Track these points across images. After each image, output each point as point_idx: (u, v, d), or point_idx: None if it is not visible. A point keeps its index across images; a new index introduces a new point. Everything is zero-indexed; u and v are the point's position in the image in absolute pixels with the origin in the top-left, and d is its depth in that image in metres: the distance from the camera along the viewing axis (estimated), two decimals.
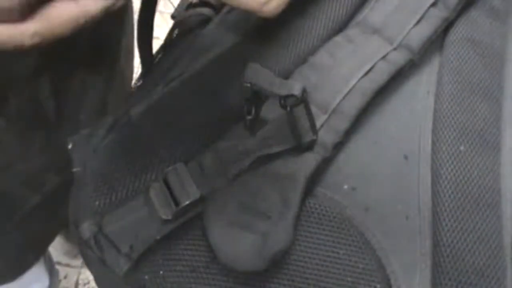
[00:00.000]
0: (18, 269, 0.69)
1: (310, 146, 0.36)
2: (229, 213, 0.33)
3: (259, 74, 0.35)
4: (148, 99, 0.39)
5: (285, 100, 0.34)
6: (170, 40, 0.48)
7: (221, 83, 0.39)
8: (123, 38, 0.62)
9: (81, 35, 0.43)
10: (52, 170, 0.56)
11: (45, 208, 0.58)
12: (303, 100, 0.34)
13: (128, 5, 0.58)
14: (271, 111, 0.37)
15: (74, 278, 1.08)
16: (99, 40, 0.54)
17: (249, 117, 0.36)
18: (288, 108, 0.34)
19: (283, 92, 0.34)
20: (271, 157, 0.35)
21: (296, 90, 0.33)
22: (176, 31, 0.47)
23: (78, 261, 1.09)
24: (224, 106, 0.38)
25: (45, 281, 0.86)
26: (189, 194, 0.34)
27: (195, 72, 0.40)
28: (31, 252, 0.70)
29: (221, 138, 0.37)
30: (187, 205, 0.33)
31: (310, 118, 0.35)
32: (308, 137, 0.35)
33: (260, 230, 0.33)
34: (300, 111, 0.35)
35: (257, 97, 0.35)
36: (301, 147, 0.36)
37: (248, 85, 0.34)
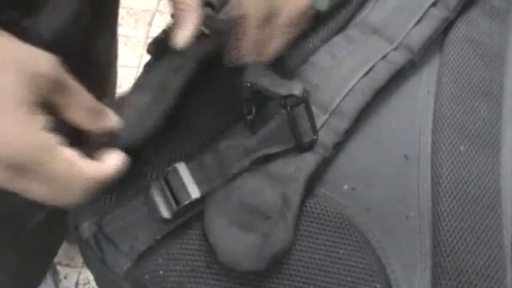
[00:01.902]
0: (28, 285, 0.69)
1: (310, 146, 0.36)
2: (229, 213, 0.33)
3: (259, 74, 0.35)
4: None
5: (285, 100, 0.34)
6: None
7: (222, 83, 0.39)
8: (113, 45, 0.63)
9: (74, 47, 0.43)
10: None
11: (49, 223, 0.58)
12: (303, 100, 0.34)
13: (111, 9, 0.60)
14: (271, 111, 0.37)
15: (74, 278, 1.07)
16: (92, 48, 0.55)
17: (249, 117, 0.36)
18: (289, 108, 0.34)
19: (284, 92, 0.34)
20: (271, 157, 0.35)
21: (297, 90, 0.33)
22: None
23: (78, 261, 1.08)
24: (225, 105, 0.38)
25: (50, 285, 0.86)
26: (189, 193, 0.34)
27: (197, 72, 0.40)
28: (39, 266, 0.70)
29: (222, 137, 0.37)
30: (188, 204, 0.33)
31: (310, 118, 0.35)
32: (308, 137, 0.35)
33: (260, 230, 0.33)
34: (300, 111, 0.35)
35: (258, 96, 0.35)
36: (302, 147, 0.36)
37: (249, 84, 0.34)
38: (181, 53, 0.35)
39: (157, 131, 0.37)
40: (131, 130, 0.33)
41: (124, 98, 0.36)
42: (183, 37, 0.34)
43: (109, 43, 0.61)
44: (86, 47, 0.52)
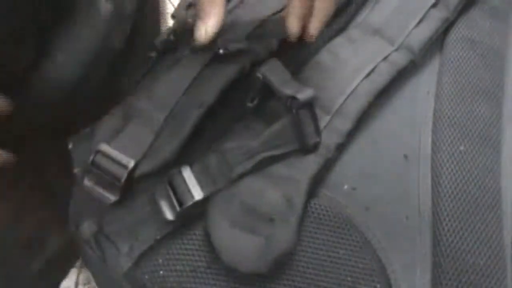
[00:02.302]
0: None
1: (314, 148, 0.36)
2: (232, 215, 0.33)
3: (274, 70, 0.35)
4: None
5: (291, 102, 0.34)
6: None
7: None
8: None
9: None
10: (51, 231, 0.51)
11: (50, 271, 0.54)
12: (308, 104, 0.34)
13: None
14: (275, 111, 0.37)
15: (74, 278, 1.07)
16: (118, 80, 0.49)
17: (249, 104, 0.36)
18: (294, 111, 0.34)
19: (288, 92, 0.34)
20: (274, 159, 0.35)
21: (301, 94, 0.33)
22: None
23: (78, 261, 1.08)
24: (225, 104, 0.38)
25: None
26: (193, 195, 0.34)
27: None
28: None
29: (225, 138, 0.37)
30: (190, 205, 0.33)
31: (314, 120, 0.35)
32: (312, 139, 0.35)
33: (263, 233, 0.33)
34: (304, 113, 0.35)
35: (265, 90, 0.35)
36: (305, 149, 0.36)
37: (260, 76, 0.34)
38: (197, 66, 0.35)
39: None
40: (144, 157, 0.34)
41: (132, 104, 0.35)
42: (206, 30, 0.33)
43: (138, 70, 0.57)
44: (112, 80, 0.47)
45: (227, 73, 0.36)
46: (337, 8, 0.42)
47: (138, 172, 0.33)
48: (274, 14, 0.41)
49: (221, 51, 0.36)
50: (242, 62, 0.37)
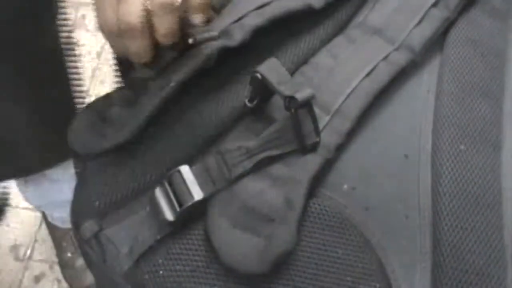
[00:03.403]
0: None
1: (313, 148, 0.36)
2: (232, 216, 0.33)
3: (273, 69, 0.35)
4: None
5: (289, 102, 0.34)
6: None
7: (222, 82, 0.39)
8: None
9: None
10: None
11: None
12: (307, 103, 0.34)
13: None
14: (275, 111, 0.37)
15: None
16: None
17: (249, 105, 0.36)
18: (292, 110, 0.34)
19: (287, 92, 0.34)
20: (274, 159, 0.35)
21: (300, 94, 0.33)
22: None
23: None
24: (226, 105, 0.38)
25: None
26: (192, 195, 0.34)
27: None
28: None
29: (224, 138, 0.37)
30: (190, 206, 0.33)
31: (313, 120, 0.35)
32: (311, 139, 0.35)
33: (263, 233, 0.33)
34: (304, 113, 0.35)
35: (264, 90, 0.35)
36: (304, 149, 0.36)
37: (259, 75, 0.35)
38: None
39: (154, 131, 0.37)
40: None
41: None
42: None
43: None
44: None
45: (195, 58, 0.37)
46: (335, 7, 0.43)
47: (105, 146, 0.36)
48: (256, 9, 0.41)
49: (190, 41, 0.37)
50: (210, 49, 0.37)
